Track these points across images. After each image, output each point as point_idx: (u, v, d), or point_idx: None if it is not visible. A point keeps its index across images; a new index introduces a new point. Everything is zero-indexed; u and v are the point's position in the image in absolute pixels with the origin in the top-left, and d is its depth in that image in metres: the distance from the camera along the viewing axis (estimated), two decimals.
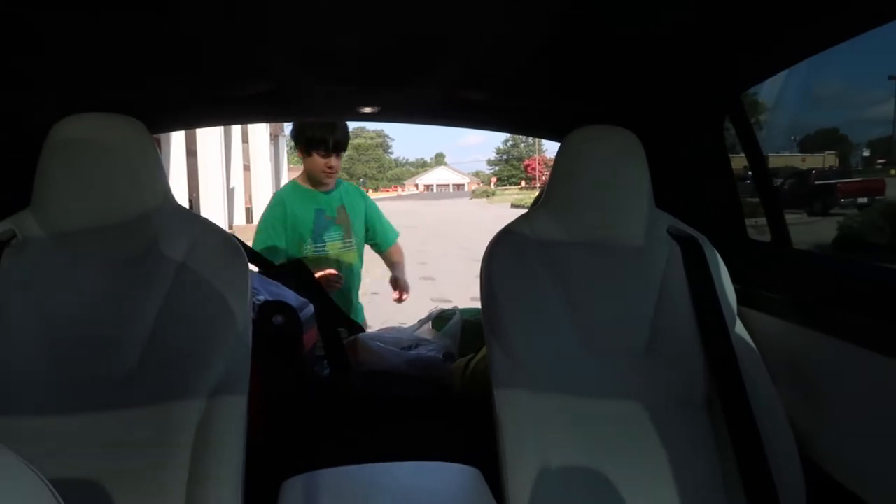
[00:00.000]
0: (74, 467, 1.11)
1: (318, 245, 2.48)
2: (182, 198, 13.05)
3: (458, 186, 79.14)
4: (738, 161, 1.68)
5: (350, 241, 2.54)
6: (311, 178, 2.51)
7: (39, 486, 0.33)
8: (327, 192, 2.52)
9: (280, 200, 2.51)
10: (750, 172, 1.59)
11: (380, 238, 2.71)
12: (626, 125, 1.46)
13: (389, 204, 39.16)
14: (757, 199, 1.56)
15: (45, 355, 1.18)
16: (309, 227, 2.46)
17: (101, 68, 1.41)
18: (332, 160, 2.43)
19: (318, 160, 2.43)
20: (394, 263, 2.76)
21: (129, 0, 1.07)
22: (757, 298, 1.45)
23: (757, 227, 1.64)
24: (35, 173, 1.24)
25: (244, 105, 1.82)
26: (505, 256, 1.42)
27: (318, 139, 2.39)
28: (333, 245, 2.50)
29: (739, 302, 1.43)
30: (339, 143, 2.42)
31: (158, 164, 1.32)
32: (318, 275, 2.27)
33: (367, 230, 2.65)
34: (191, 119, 2.12)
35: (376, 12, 1.14)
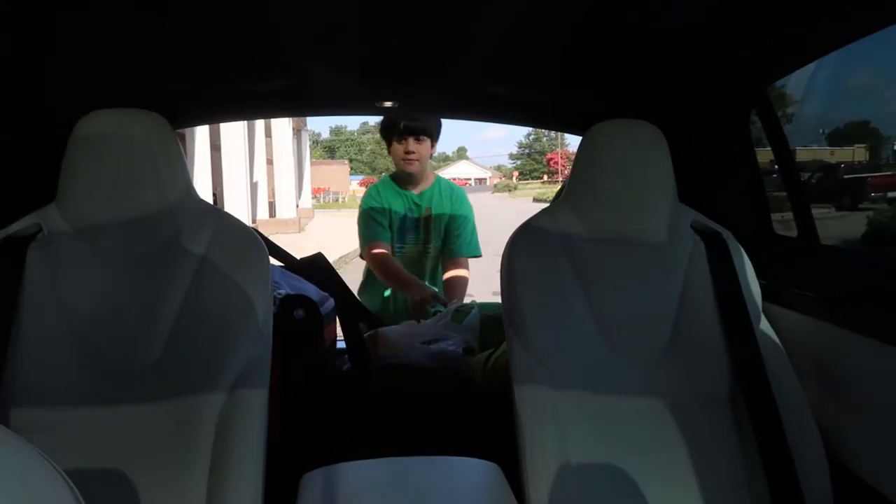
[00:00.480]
0: (97, 459, 1.13)
1: (398, 245, 2.40)
2: (206, 192, 13.21)
3: (480, 181, 78.93)
4: (763, 155, 1.65)
5: (429, 247, 2.42)
6: (398, 172, 2.38)
7: (54, 476, 0.34)
8: (419, 193, 2.39)
9: (375, 190, 2.43)
10: (776, 166, 1.56)
11: (446, 243, 2.43)
12: (649, 118, 1.44)
13: None
14: (782, 194, 1.53)
15: (70, 348, 1.20)
16: (396, 224, 2.38)
17: (124, 65, 1.42)
18: (411, 144, 2.25)
19: (396, 148, 2.29)
20: (448, 286, 2.41)
21: (148, 3, 1.08)
22: (782, 294, 1.42)
23: (783, 223, 1.61)
24: (60, 168, 1.26)
25: (265, 100, 1.83)
26: (526, 251, 1.41)
27: (389, 124, 2.26)
28: (413, 248, 2.41)
29: (764, 298, 1.41)
30: (411, 127, 2.23)
31: (180, 158, 1.33)
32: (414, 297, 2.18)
33: (444, 241, 2.43)
34: (212, 114, 2.14)
35: (395, 6, 1.13)
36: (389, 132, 2.28)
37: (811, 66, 1.46)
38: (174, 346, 1.22)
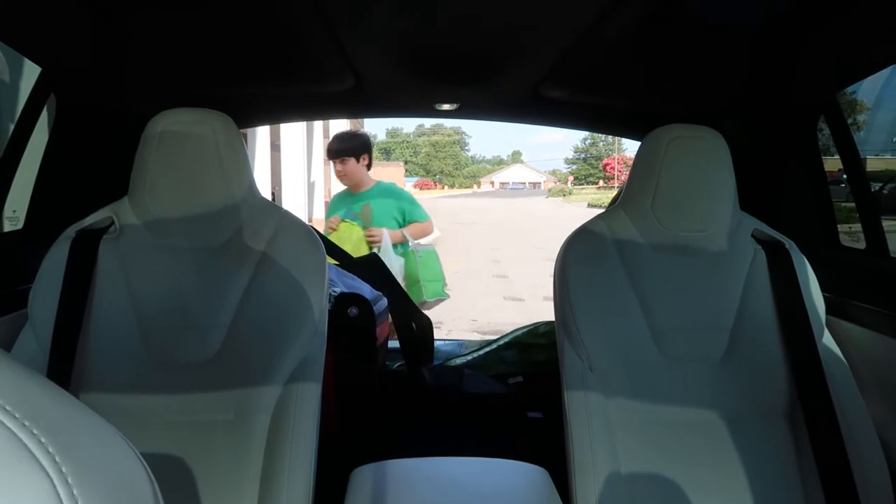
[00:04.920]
0: (157, 443, 1.18)
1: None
2: (266, 191, 13.53)
3: (535, 185, 78.54)
4: (828, 164, 1.60)
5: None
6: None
7: (131, 455, 0.36)
8: (358, 194, 3.00)
9: (334, 201, 3.14)
10: (845, 176, 1.51)
11: (408, 218, 3.07)
12: (711, 124, 1.41)
13: (464, 201, 39.26)
14: (847, 205, 1.48)
15: (136, 337, 1.25)
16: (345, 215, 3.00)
17: (194, 66, 1.48)
18: (336, 165, 2.91)
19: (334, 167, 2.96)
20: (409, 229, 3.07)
21: (220, 7, 1.12)
22: (849, 309, 1.37)
23: (850, 234, 1.55)
24: (132, 164, 1.32)
25: (326, 101, 1.87)
26: (580, 256, 1.39)
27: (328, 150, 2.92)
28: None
29: (829, 311, 1.36)
30: (332, 151, 2.91)
31: (245, 157, 1.37)
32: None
33: (404, 217, 3.05)
34: (276, 115, 2.20)
35: (459, 9, 1.14)
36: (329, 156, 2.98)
37: (885, 72, 1.40)
38: (234, 339, 1.26)
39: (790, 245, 1.38)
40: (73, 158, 1.58)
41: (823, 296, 1.36)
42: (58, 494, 0.29)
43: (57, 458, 0.30)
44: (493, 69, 1.52)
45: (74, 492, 0.30)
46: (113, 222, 1.30)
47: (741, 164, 1.40)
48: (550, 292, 1.44)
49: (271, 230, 1.34)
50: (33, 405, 0.31)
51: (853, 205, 1.49)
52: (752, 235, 1.40)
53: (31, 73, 1.44)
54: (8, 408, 0.30)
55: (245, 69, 1.51)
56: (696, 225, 1.36)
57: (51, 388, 0.34)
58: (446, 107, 1.91)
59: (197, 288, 1.28)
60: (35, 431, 0.30)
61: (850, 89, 1.58)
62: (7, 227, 1.53)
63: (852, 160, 1.47)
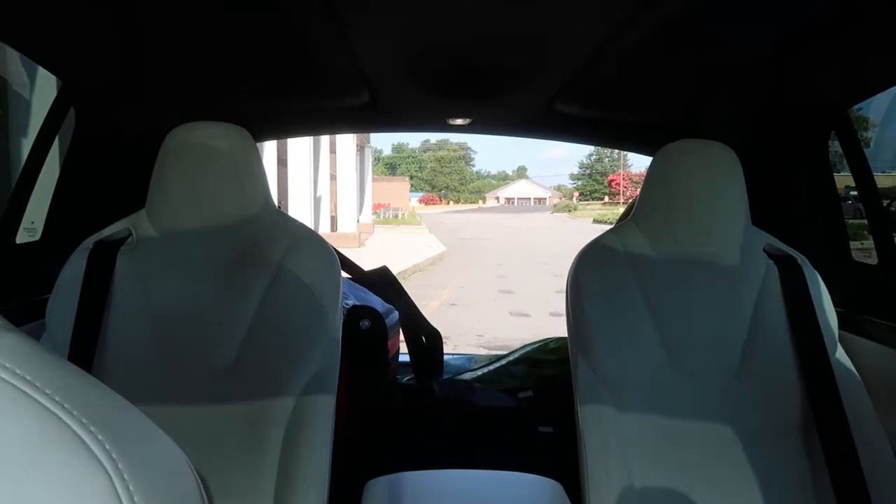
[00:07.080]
0: None
1: None
2: None
3: (540, 200, 78.64)
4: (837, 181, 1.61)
5: None
6: None
7: (177, 452, 0.37)
8: None
9: None
10: (852, 193, 1.52)
11: None
12: (722, 139, 1.42)
13: (469, 216, 39.27)
14: (857, 222, 1.49)
15: (152, 348, 1.26)
16: None
17: (212, 80, 1.50)
18: None
19: None
20: None
21: (240, 21, 1.14)
22: (861, 323, 1.37)
23: (862, 250, 1.56)
24: (150, 176, 1.33)
25: (341, 116, 1.89)
26: (593, 269, 1.40)
27: None
28: None
29: (841, 327, 1.36)
30: None
31: (261, 170, 1.39)
32: None
33: None
34: (290, 129, 2.22)
35: (476, 26, 1.16)
36: None
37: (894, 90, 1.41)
38: (248, 350, 1.27)
39: (802, 260, 1.39)
40: (91, 170, 1.60)
41: (836, 311, 1.37)
42: (114, 487, 0.30)
43: (113, 455, 0.31)
44: (508, 84, 1.53)
45: (130, 487, 0.31)
46: (130, 234, 1.31)
47: (753, 179, 1.41)
48: (556, 308, 1.46)
49: (287, 243, 1.35)
50: (88, 404, 0.32)
51: (860, 221, 1.50)
52: (764, 250, 1.41)
53: (44, 86, 1.44)
54: (66, 405, 0.31)
55: (262, 84, 1.53)
56: (709, 239, 1.37)
57: (103, 389, 0.36)
58: (459, 122, 1.93)
59: (213, 300, 1.29)
60: (92, 429, 0.31)
61: (857, 106, 1.59)
62: (25, 238, 1.55)
63: (864, 175, 1.47)
